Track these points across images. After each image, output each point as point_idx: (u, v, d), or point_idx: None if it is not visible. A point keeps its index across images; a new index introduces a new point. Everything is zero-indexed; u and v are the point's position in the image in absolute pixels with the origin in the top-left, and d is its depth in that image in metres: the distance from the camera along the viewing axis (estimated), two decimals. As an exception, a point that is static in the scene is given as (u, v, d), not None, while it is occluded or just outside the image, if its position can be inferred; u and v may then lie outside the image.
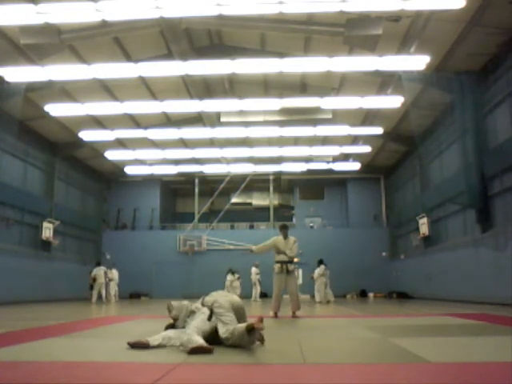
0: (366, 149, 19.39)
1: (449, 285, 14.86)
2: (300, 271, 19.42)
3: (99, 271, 16.95)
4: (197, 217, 24.28)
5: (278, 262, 7.89)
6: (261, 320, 3.54)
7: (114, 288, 18.05)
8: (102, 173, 23.64)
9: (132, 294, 21.62)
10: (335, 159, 21.63)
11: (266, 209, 25.75)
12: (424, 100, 14.73)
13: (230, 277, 18.68)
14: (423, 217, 17.21)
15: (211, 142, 20.15)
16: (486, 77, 12.40)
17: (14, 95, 13.43)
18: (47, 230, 17.77)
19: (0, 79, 12.54)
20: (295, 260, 8.18)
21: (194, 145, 20.20)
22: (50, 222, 18.00)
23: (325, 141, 19.88)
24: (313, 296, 16.26)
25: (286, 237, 7.95)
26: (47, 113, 15.15)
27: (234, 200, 25.63)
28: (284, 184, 25.50)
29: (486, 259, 12.35)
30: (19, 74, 12.36)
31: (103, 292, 16.86)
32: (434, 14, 10.50)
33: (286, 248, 7.82)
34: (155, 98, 15.87)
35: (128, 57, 13.61)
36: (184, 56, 12.05)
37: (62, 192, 19.78)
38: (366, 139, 18.96)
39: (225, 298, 3.96)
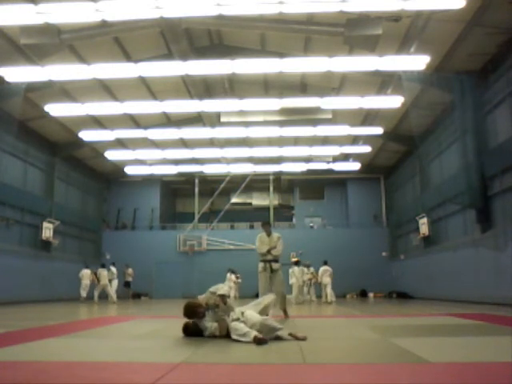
0: (366, 149, 19.39)
1: (449, 285, 14.86)
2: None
3: (103, 272, 16.98)
4: (197, 217, 24.29)
5: (262, 260, 7.73)
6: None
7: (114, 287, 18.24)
8: (101, 173, 23.65)
9: (132, 294, 21.61)
10: (335, 159, 21.63)
11: (266, 209, 25.74)
12: (424, 100, 14.74)
13: (228, 276, 18.72)
14: (423, 217, 17.21)
15: (211, 142, 20.15)
16: (486, 77, 12.39)
17: (14, 95, 13.42)
18: (47, 230, 17.77)
19: (0, 79, 12.54)
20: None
21: (193, 145, 20.20)
22: (49, 222, 18.00)
23: (325, 141, 19.88)
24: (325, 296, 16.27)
25: (269, 234, 7.81)
26: (47, 113, 15.16)
27: (234, 200, 25.63)
28: (284, 184, 25.50)
29: (486, 259, 12.35)
30: (19, 73, 12.37)
31: (111, 293, 16.88)
32: (433, 14, 10.49)
33: (269, 245, 7.67)
34: (155, 98, 15.88)
35: (128, 57, 13.61)
36: (184, 56, 12.05)
37: (61, 192, 19.79)
38: (366, 139, 18.96)
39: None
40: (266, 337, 3.93)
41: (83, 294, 17.02)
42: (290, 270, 15.73)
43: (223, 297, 4.36)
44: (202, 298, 4.49)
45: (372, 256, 22.42)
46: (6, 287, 14.56)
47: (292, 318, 7.61)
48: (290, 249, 23.02)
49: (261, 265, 7.71)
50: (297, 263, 15.70)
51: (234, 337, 4.08)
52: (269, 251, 7.62)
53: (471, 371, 2.78)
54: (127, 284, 19.66)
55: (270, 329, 4.11)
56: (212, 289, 4.55)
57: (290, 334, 4.13)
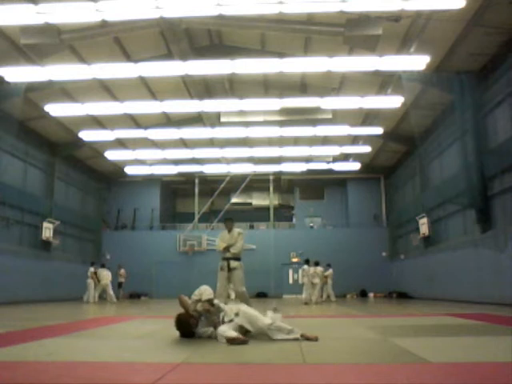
0: (366, 149, 19.40)
1: (449, 285, 14.86)
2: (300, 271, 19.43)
3: (103, 272, 16.97)
4: (197, 217, 24.29)
5: (222, 258, 7.40)
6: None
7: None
8: (102, 173, 23.65)
9: (132, 294, 21.62)
10: (335, 159, 21.64)
11: (266, 209, 25.75)
12: (424, 100, 14.73)
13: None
14: (423, 217, 17.21)
15: (211, 142, 20.16)
16: (486, 77, 12.40)
17: (14, 95, 13.43)
18: (47, 230, 17.78)
19: (0, 79, 12.54)
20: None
21: (194, 145, 20.21)
22: (50, 222, 18.00)
23: (325, 141, 19.89)
24: (328, 296, 16.31)
25: (230, 230, 7.49)
26: (47, 113, 15.17)
27: (234, 200, 25.63)
28: (284, 184, 25.51)
29: (486, 259, 12.35)
30: (19, 73, 12.38)
31: (111, 292, 16.89)
32: (433, 14, 10.50)
33: (230, 242, 7.33)
34: (155, 98, 15.88)
35: (128, 57, 13.61)
36: (184, 56, 12.06)
37: (61, 192, 19.79)
38: (366, 139, 18.97)
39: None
40: (246, 338, 3.90)
41: (97, 295, 16.97)
42: (303, 269, 15.52)
43: (209, 300, 4.32)
44: (189, 304, 4.38)
45: (372, 256, 22.42)
46: (6, 287, 14.55)
47: (292, 317, 7.60)
48: (290, 249, 23.10)
49: (219, 263, 7.37)
50: (317, 263, 15.28)
51: (218, 339, 4.03)
52: (227, 248, 7.27)
53: (471, 371, 2.78)
54: (119, 285, 19.59)
55: (279, 330, 4.10)
56: (195, 296, 4.43)
57: (302, 336, 4.10)
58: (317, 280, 14.80)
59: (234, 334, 3.94)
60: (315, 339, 4.05)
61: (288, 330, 4.12)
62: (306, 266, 14.82)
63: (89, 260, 20.91)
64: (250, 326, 4.14)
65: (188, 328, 4.30)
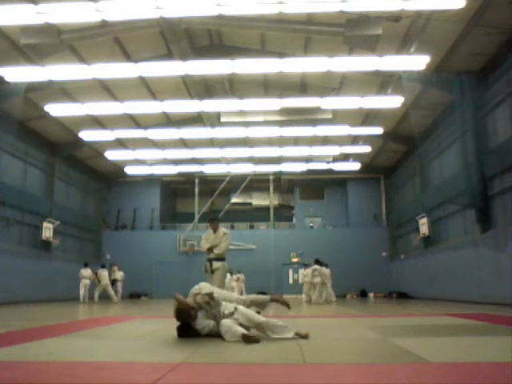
0: (366, 149, 19.40)
1: (449, 285, 14.86)
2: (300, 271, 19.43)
3: (103, 272, 16.97)
4: (197, 217, 24.29)
5: (206, 259, 7.17)
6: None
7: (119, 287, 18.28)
8: (102, 173, 23.65)
9: (132, 294, 21.61)
10: (335, 159, 21.64)
11: (266, 209, 25.75)
12: (424, 100, 14.73)
13: (228, 276, 18.68)
14: (423, 217, 17.21)
15: (211, 142, 20.16)
16: (486, 77, 12.40)
17: (14, 95, 13.43)
18: (47, 230, 17.77)
19: (0, 79, 12.54)
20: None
21: (194, 145, 20.21)
22: (50, 222, 18.00)
23: (325, 141, 19.89)
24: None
25: (215, 230, 7.22)
26: (47, 113, 15.17)
27: (234, 200, 25.64)
28: (284, 184, 25.51)
29: (486, 259, 12.35)
30: (19, 73, 12.39)
31: (112, 292, 16.89)
32: (433, 14, 10.50)
33: (214, 243, 7.10)
34: (155, 98, 15.88)
35: (128, 57, 13.61)
36: (184, 56, 12.06)
37: (61, 192, 19.79)
38: (366, 139, 18.97)
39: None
40: (257, 336, 3.92)
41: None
42: (313, 268, 15.47)
43: (209, 294, 4.34)
44: (188, 300, 4.41)
45: (372, 256, 22.43)
46: (6, 287, 14.55)
47: (292, 317, 7.60)
48: (290, 249, 23.10)
49: (204, 265, 7.15)
50: (321, 263, 15.20)
51: (225, 336, 4.02)
52: (210, 249, 7.07)
53: (471, 371, 2.77)
54: (113, 282, 19.56)
55: (273, 328, 4.13)
56: (195, 290, 4.47)
57: (297, 334, 4.16)
58: (320, 279, 14.82)
59: (245, 331, 3.99)
60: (306, 336, 4.13)
61: (283, 327, 4.17)
62: (316, 266, 14.82)
63: (89, 260, 20.91)
64: (247, 323, 4.16)
65: (187, 319, 4.29)
